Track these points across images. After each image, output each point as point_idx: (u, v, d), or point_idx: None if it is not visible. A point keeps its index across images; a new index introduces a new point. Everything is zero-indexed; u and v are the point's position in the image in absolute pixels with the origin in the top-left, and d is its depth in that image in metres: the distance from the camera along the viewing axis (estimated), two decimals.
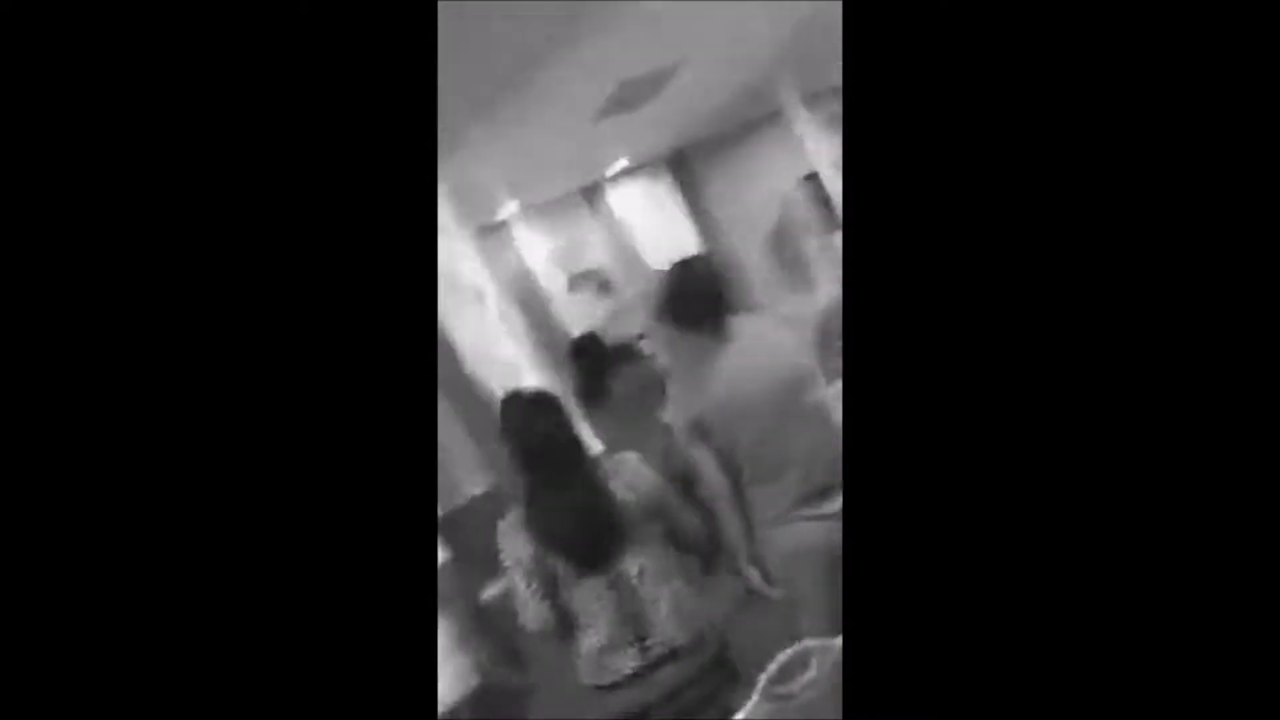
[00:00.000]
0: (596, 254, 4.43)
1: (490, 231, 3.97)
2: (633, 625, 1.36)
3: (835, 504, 1.52)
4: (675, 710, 1.37)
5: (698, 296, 1.62)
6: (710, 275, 1.65)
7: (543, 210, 4.15)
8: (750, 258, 4.88)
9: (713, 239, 4.76)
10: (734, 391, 1.53)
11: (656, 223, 4.59)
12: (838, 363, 1.77)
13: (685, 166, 4.63)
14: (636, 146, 4.13)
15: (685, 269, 1.65)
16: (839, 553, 1.53)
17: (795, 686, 1.09)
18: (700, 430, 1.54)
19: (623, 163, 4.20)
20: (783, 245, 4.95)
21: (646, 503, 1.40)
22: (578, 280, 4.31)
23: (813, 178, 4.47)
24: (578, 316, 4.22)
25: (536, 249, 4.19)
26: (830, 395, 1.62)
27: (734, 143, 4.80)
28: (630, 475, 1.41)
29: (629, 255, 4.54)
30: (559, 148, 3.74)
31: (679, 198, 4.62)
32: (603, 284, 4.46)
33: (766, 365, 1.55)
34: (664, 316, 1.65)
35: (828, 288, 1.72)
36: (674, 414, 1.57)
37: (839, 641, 1.13)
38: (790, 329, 1.58)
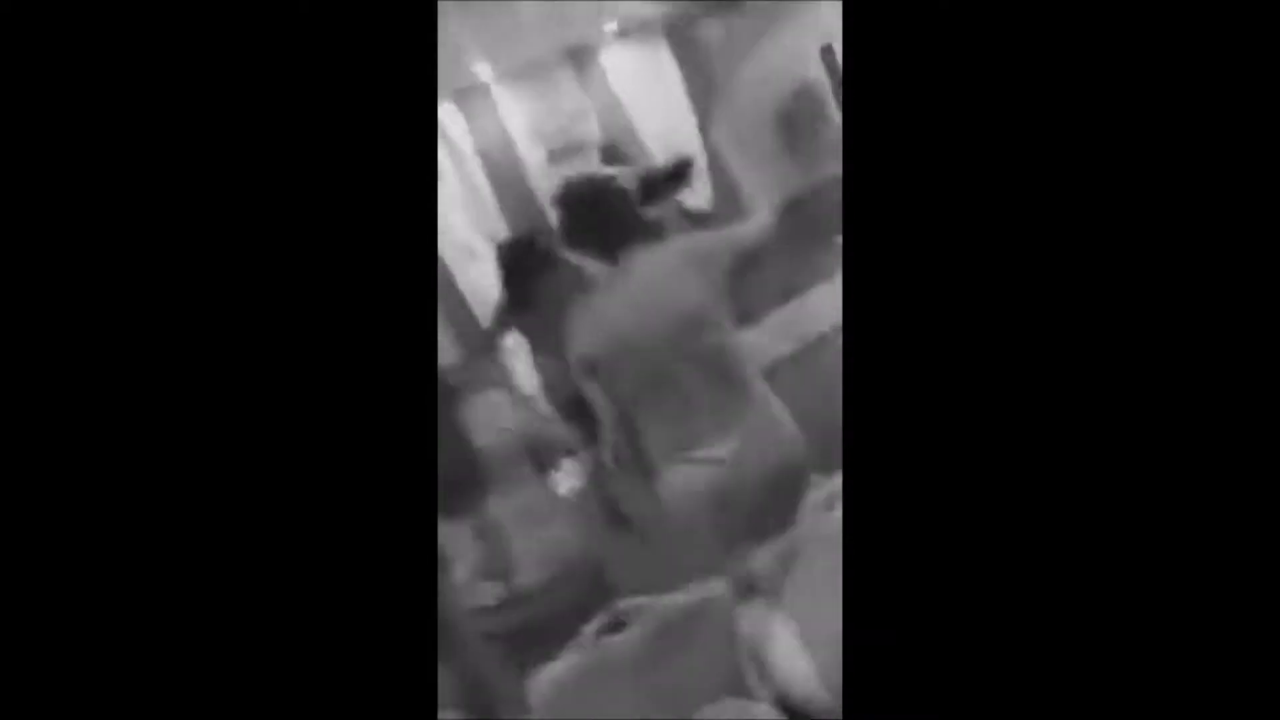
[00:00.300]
0: (583, 126, 4.25)
1: (461, 97, 3.80)
2: (496, 563, 1.42)
3: (721, 450, 1.53)
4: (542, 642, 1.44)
5: (590, 220, 1.56)
6: (604, 199, 1.58)
7: (522, 75, 3.95)
8: (753, 141, 4.66)
9: (711, 117, 4.53)
10: (627, 326, 1.51)
11: (651, 96, 4.36)
12: (749, 303, 1.72)
13: (685, 31, 4.33)
14: (629, 7, 3.87)
15: (577, 188, 1.59)
16: (722, 497, 1.57)
17: (608, 642, 1.13)
18: (589, 364, 1.53)
19: (613, 26, 3.94)
20: (790, 129, 4.72)
21: (515, 441, 1.41)
22: (559, 155, 4.16)
23: (829, 51, 4.18)
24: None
25: (514, 118, 4.02)
26: (732, 338, 1.58)
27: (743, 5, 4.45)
28: (494, 416, 1.41)
29: (620, 129, 4.36)
30: (540, 7, 3.50)
31: (677, 68, 4.35)
32: (610, 153, 4.30)
33: (664, 301, 1.51)
34: (561, 237, 1.60)
35: (762, 215, 1.64)
36: (568, 343, 1.55)
37: (664, 600, 1.17)
38: (695, 264, 1.53)
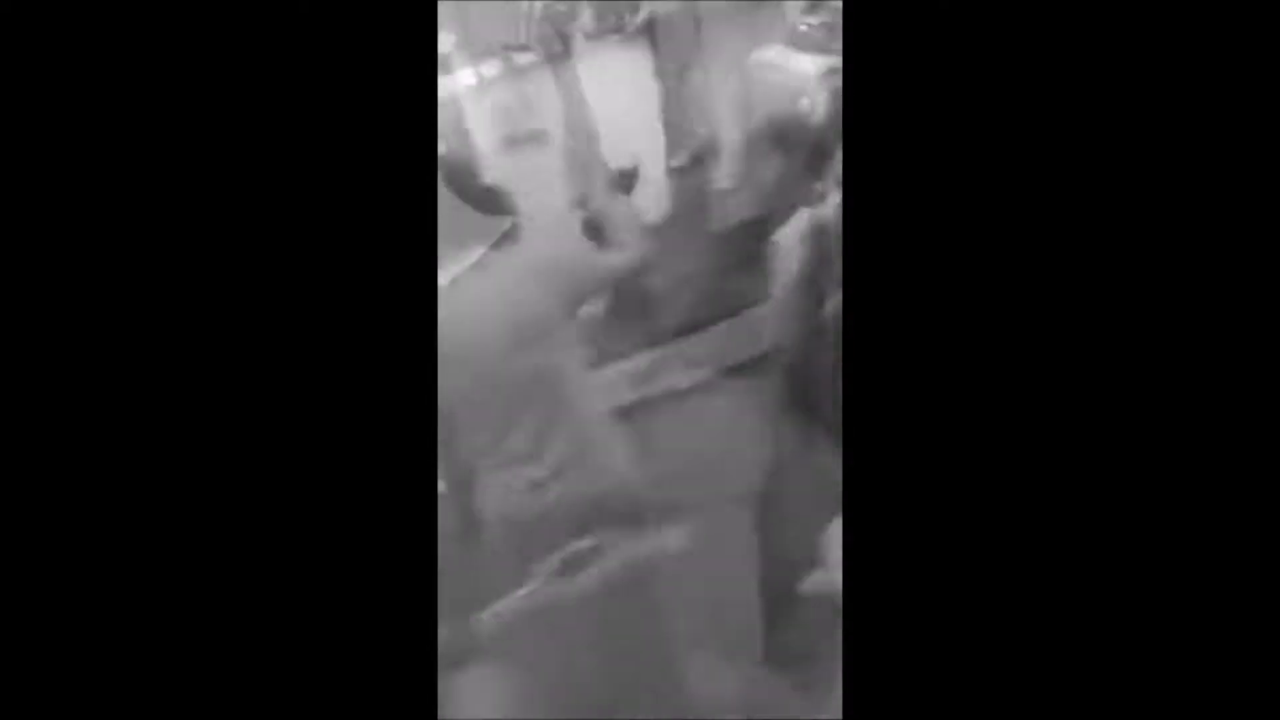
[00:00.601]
0: (547, 119, 4.19)
1: None
2: None
3: (539, 471, 1.51)
4: None
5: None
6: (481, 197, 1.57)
7: (487, 59, 3.89)
8: (730, 156, 4.60)
9: (686, 124, 4.47)
10: (464, 329, 1.48)
11: (623, 96, 4.30)
12: (596, 328, 1.71)
13: (665, 34, 4.28)
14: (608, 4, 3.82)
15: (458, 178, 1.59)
16: (537, 520, 1.52)
17: None
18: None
19: (589, 23, 3.89)
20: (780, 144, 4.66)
21: None
22: (516, 141, 4.10)
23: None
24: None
25: (473, 100, 3.96)
26: (569, 357, 1.55)
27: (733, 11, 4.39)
28: None
29: (585, 125, 4.29)
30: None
31: (653, 71, 4.30)
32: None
33: (500, 310, 1.49)
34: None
35: (635, 248, 1.62)
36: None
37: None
38: (535, 276, 1.51)
